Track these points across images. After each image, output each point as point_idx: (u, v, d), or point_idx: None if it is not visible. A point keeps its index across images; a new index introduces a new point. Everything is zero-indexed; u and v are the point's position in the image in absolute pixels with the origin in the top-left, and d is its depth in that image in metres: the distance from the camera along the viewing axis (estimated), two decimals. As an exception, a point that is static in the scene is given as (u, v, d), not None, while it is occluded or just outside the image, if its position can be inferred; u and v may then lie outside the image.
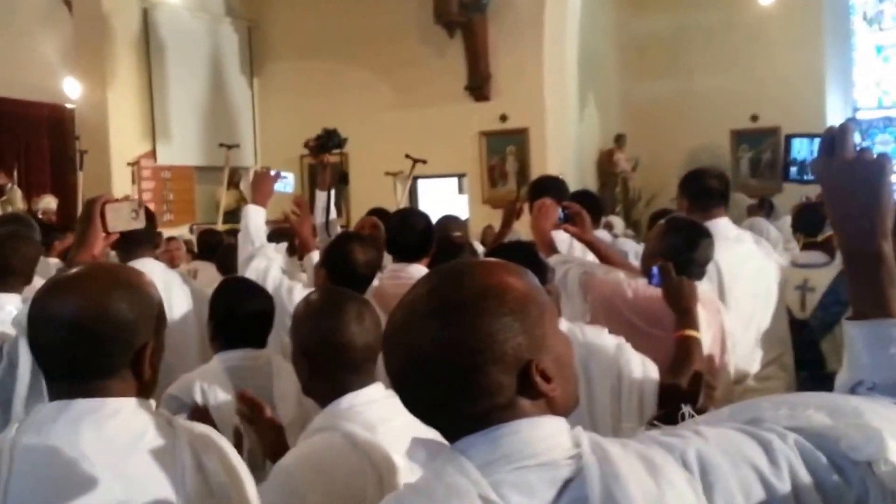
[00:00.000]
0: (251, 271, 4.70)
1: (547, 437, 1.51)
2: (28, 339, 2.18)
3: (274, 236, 5.33)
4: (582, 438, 1.52)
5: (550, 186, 5.55)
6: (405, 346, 1.58)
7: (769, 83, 17.93)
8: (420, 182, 16.26)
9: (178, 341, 4.22)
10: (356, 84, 15.93)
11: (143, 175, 15.27)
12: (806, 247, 5.46)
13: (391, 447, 2.54)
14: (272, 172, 5.16)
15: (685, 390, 3.41)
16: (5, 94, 14.88)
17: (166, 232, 10.90)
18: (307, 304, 2.86)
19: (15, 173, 14.19)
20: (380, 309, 3.08)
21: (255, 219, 4.95)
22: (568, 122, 15.61)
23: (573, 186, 6.55)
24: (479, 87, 15.46)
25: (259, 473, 2.62)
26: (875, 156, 1.73)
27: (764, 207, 13.91)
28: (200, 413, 3.26)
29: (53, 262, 6.46)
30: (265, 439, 2.98)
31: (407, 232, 4.80)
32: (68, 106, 15.54)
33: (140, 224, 3.29)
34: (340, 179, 6.65)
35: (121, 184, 14.10)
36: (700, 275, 4.03)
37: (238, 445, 2.85)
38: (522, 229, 6.59)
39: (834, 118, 17.93)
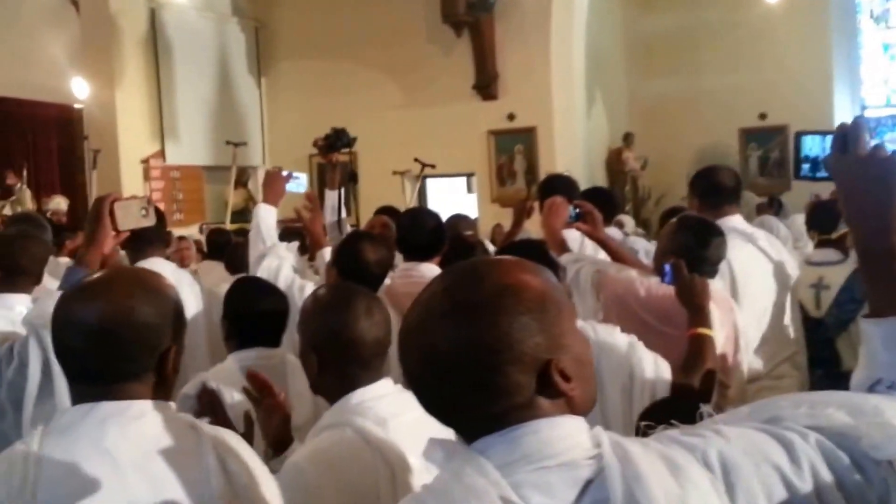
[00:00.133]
0: (263, 270, 4.69)
1: (566, 436, 1.49)
2: (53, 343, 2.19)
3: (285, 235, 5.32)
4: (602, 438, 1.50)
5: (561, 185, 5.53)
6: (422, 346, 1.56)
7: (777, 81, 17.94)
8: (429, 181, 16.27)
9: (188, 341, 4.21)
10: (364, 83, 15.95)
11: (153, 175, 15.30)
12: (820, 244, 5.42)
13: (402, 443, 2.54)
14: (284, 173, 5.15)
15: (698, 389, 3.40)
16: (14, 94, 14.91)
17: (176, 232, 10.91)
18: (315, 299, 2.83)
19: (24, 173, 14.20)
20: (391, 308, 3.08)
21: (267, 218, 4.94)
22: (576, 121, 15.59)
23: (582, 185, 6.53)
24: (486, 86, 15.45)
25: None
26: (889, 152, 1.72)
27: (773, 206, 13.88)
28: (209, 395, 3.24)
29: (63, 262, 6.45)
30: (269, 422, 2.93)
31: (418, 231, 4.79)
32: (76, 106, 15.56)
33: (150, 222, 3.29)
34: (350, 178, 6.64)
35: (130, 183, 14.12)
36: (712, 273, 4.01)
37: (249, 434, 2.85)
38: (532, 228, 6.57)
39: (842, 116, 17.89)
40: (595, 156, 17.64)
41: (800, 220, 9.62)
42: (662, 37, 19.03)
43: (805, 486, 1.47)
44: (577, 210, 4.72)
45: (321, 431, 2.65)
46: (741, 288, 4.56)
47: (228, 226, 12.40)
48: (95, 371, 2.09)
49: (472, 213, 12.81)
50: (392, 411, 2.62)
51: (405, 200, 13.39)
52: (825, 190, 13.72)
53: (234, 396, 3.56)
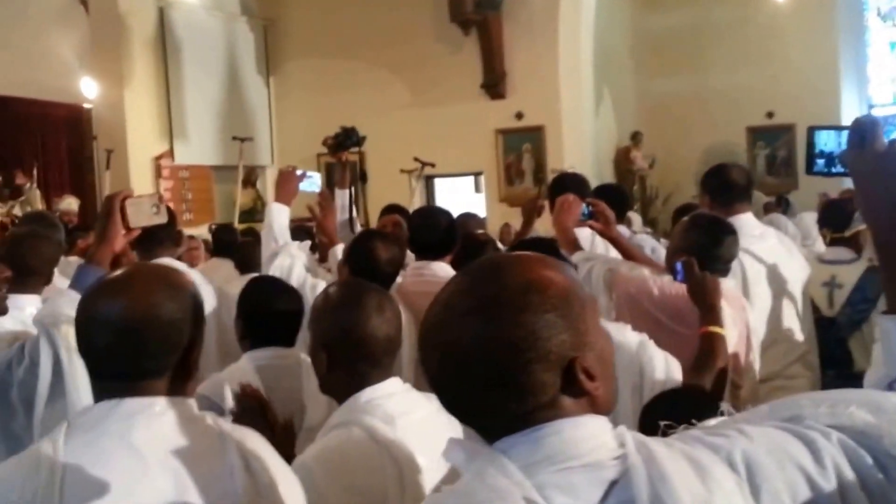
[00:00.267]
0: (275, 269, 4.69)
1: (590, 437, 1.47)
2: (77, 339, 2.18)
3: (295, 234, 5.33)
4: (626, 438, 1.48)
5: (572, 183, 5.50)
6: (443, 345, 1.53)
7: (784, 80, 17.94)
8: (437, 181, 16.29)
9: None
10: (372, 82, 15.96)
11: (163, 174, 15.32)
12: (833, 242, 5.40)
13: (410, 441, 2.54)
14: (298, 172, 5.15)
15: (709, 388, 3.40)
16: (23, 94, 14.91)
17: (186, 231, 10.89)
18: (326, 297, 2.82)
19: (35, 173, 14.21)
20: (403, 307, 3.07)
21: (279, 217, 4.93)
22: (584, 120, 15.59)
23: (590, 184, 6.51)
24: (494, 84, 15.45)
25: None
26: None
27: (781, 204, 13.88)
28: (249, 392, 3.24)
29: (74, 261, 6.44)
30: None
31: (430, 229, 4.79)
32: (85, 106, 15.58)
33: (162, 219, 3.25)
34: (359, 177, 6.64)
35: (140, 183, 14.10)
36: (725, 271, 4.00)
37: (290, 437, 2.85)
38: (542, 227, 6.56)
39: (849, 114, 17.91)
40: (603, 155, 17.64)
41: (808, 218, 9.62)
42: (670, 35, 19.02)
43: (829, 485, 1.46)
44: (590, 208, 4.71)
45: (330, 430, 2.65)
46: (752, 286, 4.55)
47: (237, 225, 12.39)
48: (119, 368, 2.10)
49: (481, 212, 12.81)
50: (401, 410, 2.62)
51: (413, 201, 13.39)
52: (833, 189, 13.75)
53: (247, 397, 3.59)
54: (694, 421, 1.70)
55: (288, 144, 16.96)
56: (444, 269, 4.67)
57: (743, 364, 4.00)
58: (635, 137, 18.63)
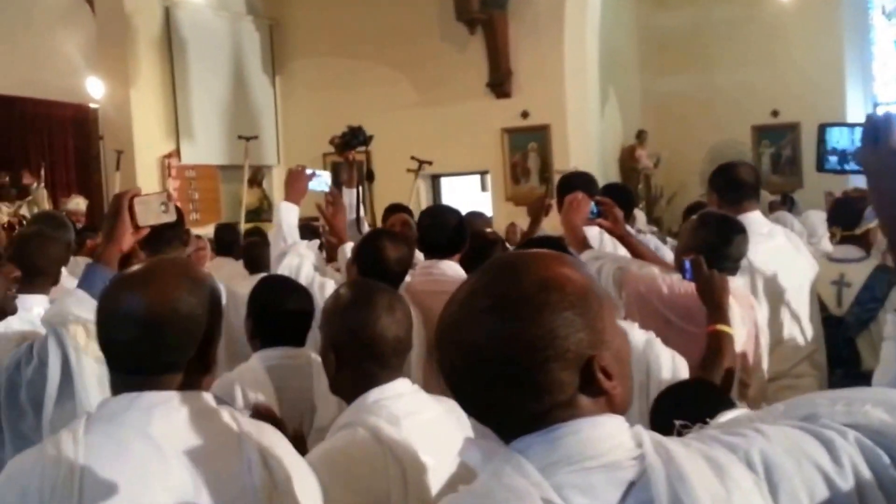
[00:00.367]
0: (283, 268, 4.69)
1: (608, 436, 1.46)
2: (98, 333, 2.20)
3: (301, 233, 5.33)
4: (643, 438, 1.47)
5: (580, 181, 5.48)
6: (460, 343, 1.52)
7: (789, 78, 17.94)
8: (443, 180, 16.29)
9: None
10: (378, 81, 15.93)
11: (173, 174, 15.31)
12: (843, 240, 5.38)
13: (417, 442, 2.53)
14: (308, 171, 5.16)
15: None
16: (29, 94, 14.97)
17: (192, 231, 10.89)
18: (337, 297, 2.82)
19: (42, 172, 14.23)
20: (412, 306, 3.07)
21: (288, 216, 4.94)
22: (589, 119, 15.55)
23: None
24: (500, 83, 15.42)
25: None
26: None
27: (786, 203, 13.90)
28: (262, 409, 3.26)
29: (83, 261, 6.44)
30: None
31: (439, 228, 4.77)
32: (92, 106, 15.60)
33: (171, 217, 3.23)
34: (367, 177, 6.64)
35: (146, 183, 14.06)
36: (734, 270, 3.99)
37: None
38: (549, 226, 6.54)
39: (854, 113, 17.92)
40: (608, 153, 17.62)
41: (813, 216, 9.63)
42: (675, 34, 19.01)
43: (846, 485, 1.45)
44: (599, 207, 4.69)
45: (338, 431, 2.65)
46: (761, 285, 4.55)
47: (243, 225, 12.41)
48: (139, 362, 2.11)
49: (487, 211, 12.82)
50: (408, 410, 2.62)
51: (418, 199, 13.41)
52: (838, 187, 13.74)
53: (258, 396, 3.57)
54: (708, 420, 1.70)
55: (294, 144, 16.94)
56: (453, 269, 4.66)
57: (751, 363, 3.99)
58: (640, 136, 18.63)
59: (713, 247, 3.88)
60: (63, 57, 15.08)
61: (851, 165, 2.07)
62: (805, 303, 4.80)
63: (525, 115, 15.38)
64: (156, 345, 2.09)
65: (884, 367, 2.30)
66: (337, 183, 6.11)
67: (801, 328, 4.76)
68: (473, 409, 1.56)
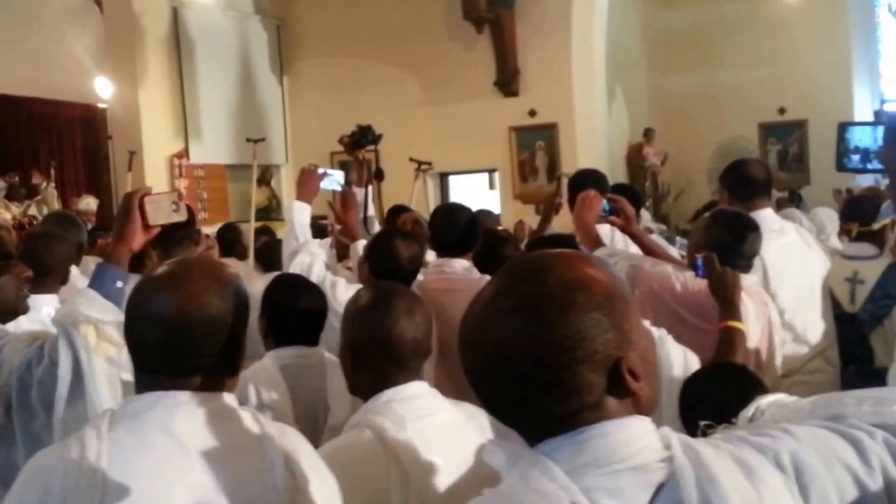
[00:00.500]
0: (295, 266, 4.68)
1: (636, 438, 1.45)
2: (126, 332, 2.20)
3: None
4: (672, 439, 1.46)
5: (591, 179, 5.46)
6: (486, 344, 1.49)
7: (796, 76, 17.96)
8: (451, 178, 16.30)
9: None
10: (385, 81, 15.96)
11: (184, 173, 15.36)
12: (859, 237, 5.35)
13: (425, 444, 2.52)
14: (320, 170, 5.16)
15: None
16: (38, 94, 14.99)
17: (201, 230, 10.91)
18: (357, 298, 2.80)
19: (52, 172, 14.25)
20: (425, 304, 3.07)
21: (300, 215, 4.92)
22: (597, 117, 15.56)
23: (607, 180, 6.48)
24: (507, 82, 15.44)
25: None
26: None
27: (793, 200, 13.91)
28: None
29: (92, 260, 6.45)
30: None
31: (451, 226, 4.77)
32: (100, 105, 15.64)
33: (182, 216, 3.20)
34: (376, 176, 6.64)
35: (155, 183, 14.04)
36: (747, 267, 3.98)
37: None
38: (556, 224, 6.54)
39: (861, 110, 17.93)
40: (616, 151, 17.64)
41: (822, 212, 9.63)
42: (682, 33, 19.03)
43: (876, 485, 1.45)
44: (611, 204, 4.66)
45: (348, 430, 2.65)
46: (773, 282, 4.53)
47: (253, 224, 12.43)
48: (166, 363, 2.11)
49: (495, 209, 12.83)
50: (421, 412, 2.61)
51: (426, 198, 13.41)
52: (845, 185, 13.76)
53: (271, 395, 3.56)
54: (743, 404, 1.67)
55: (302, 143, 16.97)
56: (465, 267, 4.66)
57: (765, 360, 3.98)
58: (647, 134, 18.66)
59: (727, 244, 3.87)
60: (72, 57, 15.12)
61: (874, 164, 2.07)
62: (817, 299, 4.79)
63: (532, 113, 15.40)
64: (183, 347, 2.10)
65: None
66: (346, 182, 6.12)
67: (813, 325, 4.75)
68: (497, 410, 1.55)
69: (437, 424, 2.61)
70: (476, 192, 16.16)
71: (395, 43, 15.93)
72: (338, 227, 5.59)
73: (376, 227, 5.84)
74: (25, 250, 4.38)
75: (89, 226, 10.12)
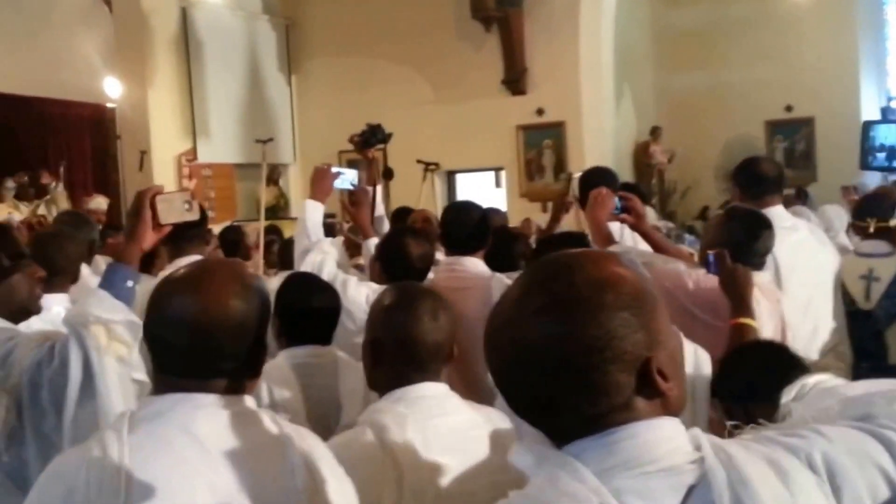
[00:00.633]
0: (306, 265, 4.67)
1: (666, 440, 1.43)
2: (146, 333, 2.20)
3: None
4: (702, 440, 1.44)
5: (601, 177, 5.42)
6: (513, 343, 1.46)
7: (803, 73, 17.91)
8: (458, 176, 16.31)
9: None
10: (393, 79, 15.99)
11: (185, 172, 15.39)
12: (875, 232, 5.32)
13: (427, 445, 2.51)
14: (334, 170, 5.15)
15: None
16: (47, 94, 14.99)
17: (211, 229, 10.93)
18: (382, 296, 2.79)
19: (61, 171, 14.27)
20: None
21: (313, 214, 4.91)
22: (604, 115, 15.57)
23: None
24: (515, 80, 15.46)
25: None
26: None
27: (800, 197, 13.88)
28: None
29: (102, 259, 6.45)
30: None
31: (462, 224, 4.74)
32: (109, 105, 15.66)
33: (194, 215, 3.18)
34: (385, 175, 6.63)
35: (163, 182, 14.07)
36: (760, 265, 3.98)
37: None
38: (564, 223, 6.52)
39: (868, 108, 17.90)
40: (623, 149, 17.63)
41: (830, 210, 9.63)
42: (689, 31, 19.00)
43: None
44: (623, 202, 4.63)
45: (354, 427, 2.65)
46: (785, 279, 4.52)
47: (262, 223, 12.47)
48: (188, 366, 2.11)
49: (501, 207, 12.83)
50: (429, 413, 2.59)
51: (434, 197, 13.41)
52: (851, 184, 13.74)
53: (284, 394, 3.56)
54: (761, 421, 1.66)
55: (310, 142, 16.99)
56: (476, 265, 4.64)
57: (778, 357, 3.98)
58: (655, 132, 18.65)
59: (740, 242, 3.88)
60: (81, 57, 15.13)
61: None
62: (829, 295, 4.79)
63: (540, 112, 15.41)
64: (208, 351, 2.10)
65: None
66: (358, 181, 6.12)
67: (825, 321, 4.75)
68: (524, 411, 1.51)
69: (446, 426, 2.59)
70: (483, 191, 16.15)
71: (403, 42, 15.95)
72: (347, 225, 5.58)
73: (386, 226, 5.83)
74: (36, 250, 4.37)
75: (100, 226, 10.14)
